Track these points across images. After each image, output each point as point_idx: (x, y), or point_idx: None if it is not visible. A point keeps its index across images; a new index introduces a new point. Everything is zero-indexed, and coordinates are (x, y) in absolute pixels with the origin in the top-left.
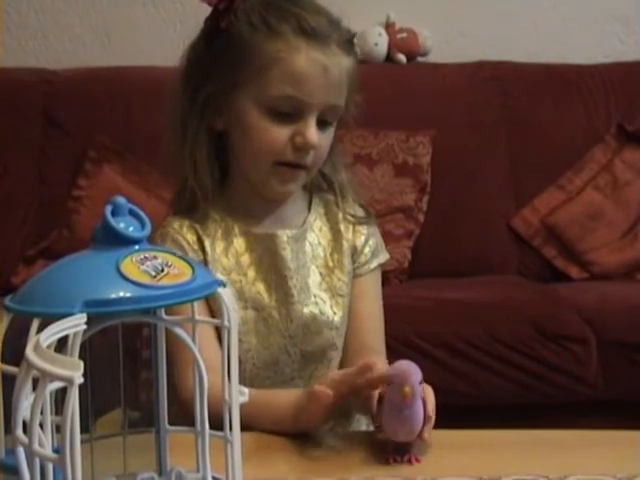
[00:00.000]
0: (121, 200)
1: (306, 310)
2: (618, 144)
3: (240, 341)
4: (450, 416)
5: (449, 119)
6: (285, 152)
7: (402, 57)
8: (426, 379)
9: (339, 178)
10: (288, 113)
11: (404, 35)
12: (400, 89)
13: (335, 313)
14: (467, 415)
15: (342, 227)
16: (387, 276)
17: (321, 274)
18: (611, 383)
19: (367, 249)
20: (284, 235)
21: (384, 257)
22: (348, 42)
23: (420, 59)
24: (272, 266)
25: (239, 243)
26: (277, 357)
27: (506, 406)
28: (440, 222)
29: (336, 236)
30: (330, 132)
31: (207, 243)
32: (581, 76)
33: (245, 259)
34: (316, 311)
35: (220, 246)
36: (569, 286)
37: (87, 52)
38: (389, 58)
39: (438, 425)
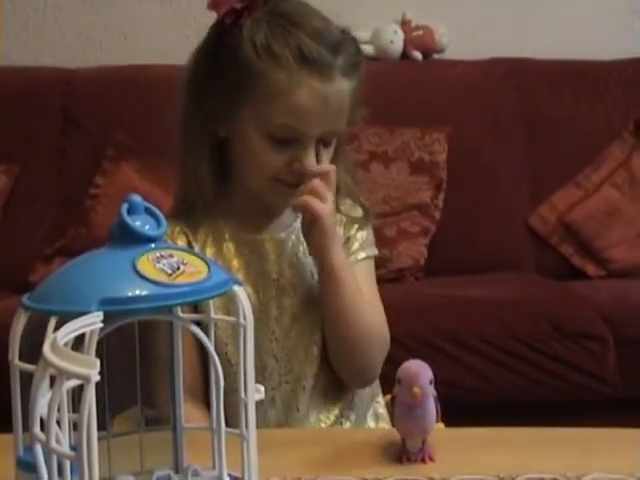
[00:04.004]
0: (137, 198)
1: (290, 311)
2: (636, 141)
3: (230, 344)
4: (466, 413)
5: (465, 116)
6: (282, 174)
7: (418, 54)
8: (442, 376)
9: (342, 181)
10: (287, 139)
11: (420, 32)
12: (416, 86)
13: (318, 312)
14: (483, 413)
15: (336, 227)
16: (403, 273)
17: (311, 272)
18: (629, 381)
19: (355, 240)
20: (272, 240)
21: (372, 251)
22: (352, 65)
23: (436, 56)
24: (260, 270)
25: (229, 248)
26: (266, 362)
27: (523, 404)
28: (456, 219)
29: None
30: (331, 148)
31: (196, 249)
32: (598, 72)
33: (234, 264)
34: (300, 312)
35: (210, 252)
36: (586, 284)
37: (104, 51)
38: (405, 55)
39: (454, 422)
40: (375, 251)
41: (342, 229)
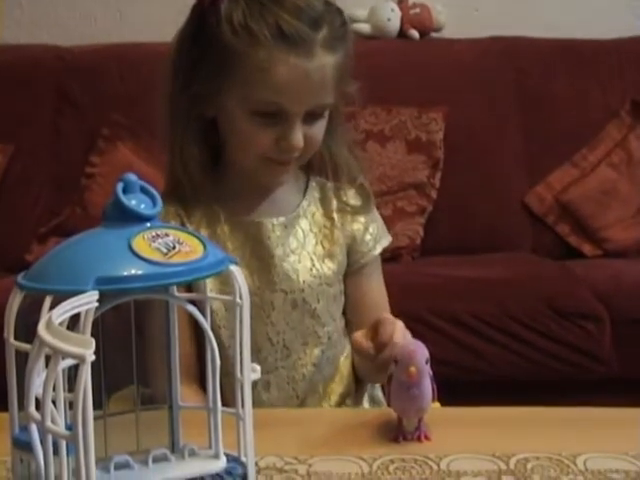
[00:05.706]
0: (132, 177)
1: (289, 297)
2: (633, 120)
3: (224, 327)
4: (462, 393)
5: (462, 95)
6: (271, 152)
7: (415, 33)
8: (438, 356)
9: (337, 160)
10: (272, 114)
11: (417, 10)
12: (413, 65)
13: (319, 301)
14: (479, 392)
15: (336, 216)
16: (399, 253)
17: (312, 260)
18: (625, 361)
19: (368, 237)
20: (270, 223)
21: (387, 241)
22: (335, 38)
23: (433, 35)
24: (255, 253)
25: (223, 230)
26: (260, 345)
27: (519, 383)
28: (453, 199)
29: (329, 224)
30: (322, 122)
31: (190, 230)
32: (595, 51)
33: (229, 245)
34: (299, 299)
35: (204, 233)
36: (583, 263)
37: (99, 28)
38: (402, 34)
39: (450, 401)
40: (389, 238)
41: (348, 224)
